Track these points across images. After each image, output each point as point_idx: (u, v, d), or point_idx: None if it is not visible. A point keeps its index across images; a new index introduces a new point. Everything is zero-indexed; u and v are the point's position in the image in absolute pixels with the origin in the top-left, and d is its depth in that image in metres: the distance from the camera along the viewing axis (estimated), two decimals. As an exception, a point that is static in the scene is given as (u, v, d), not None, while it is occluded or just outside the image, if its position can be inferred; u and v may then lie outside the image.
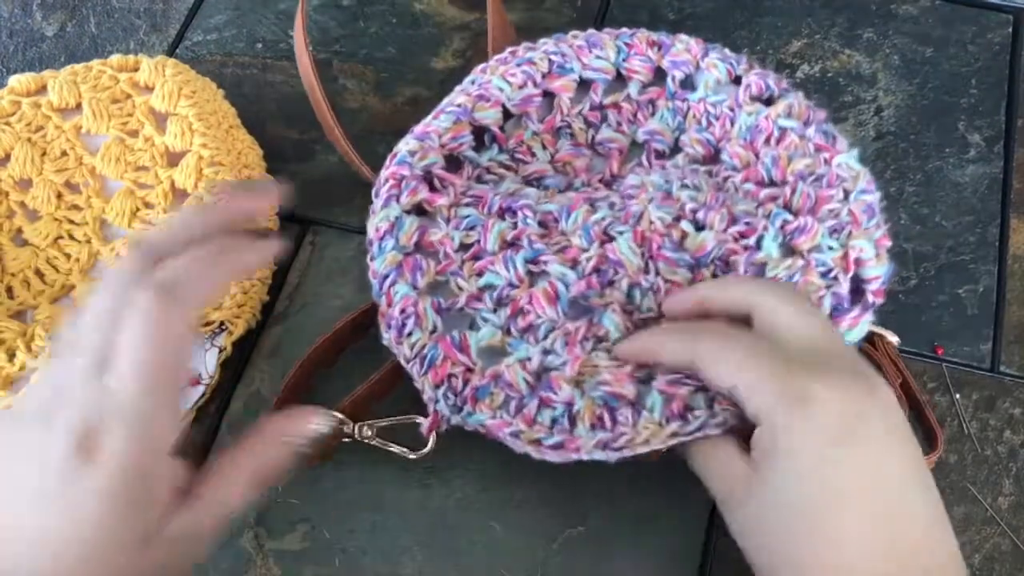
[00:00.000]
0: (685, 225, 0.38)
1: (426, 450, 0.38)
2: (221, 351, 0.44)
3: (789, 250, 0.38)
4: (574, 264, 0.38)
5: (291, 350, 0.45)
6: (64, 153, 0.47)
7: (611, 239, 0.39)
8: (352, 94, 0.53)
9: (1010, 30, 0.55)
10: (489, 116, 0.42)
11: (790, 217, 0.38)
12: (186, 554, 0.30)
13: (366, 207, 0.50)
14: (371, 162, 0.51)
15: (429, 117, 0.43)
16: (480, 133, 0.43)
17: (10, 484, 0.28)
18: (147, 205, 0.46)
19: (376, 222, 0.40)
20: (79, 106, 0.47)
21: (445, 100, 0.43)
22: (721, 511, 0.34)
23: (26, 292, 0.45)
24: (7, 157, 0.46)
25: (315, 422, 0.33)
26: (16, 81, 0.47)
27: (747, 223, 0.38)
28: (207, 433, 0.44)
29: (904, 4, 0.56)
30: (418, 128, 0.42)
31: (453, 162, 0.42)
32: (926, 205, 0.49)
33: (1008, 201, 0.50)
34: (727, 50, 0.43)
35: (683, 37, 0.44)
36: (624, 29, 0.45)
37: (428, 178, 0.41)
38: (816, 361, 0.31)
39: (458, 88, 0.44)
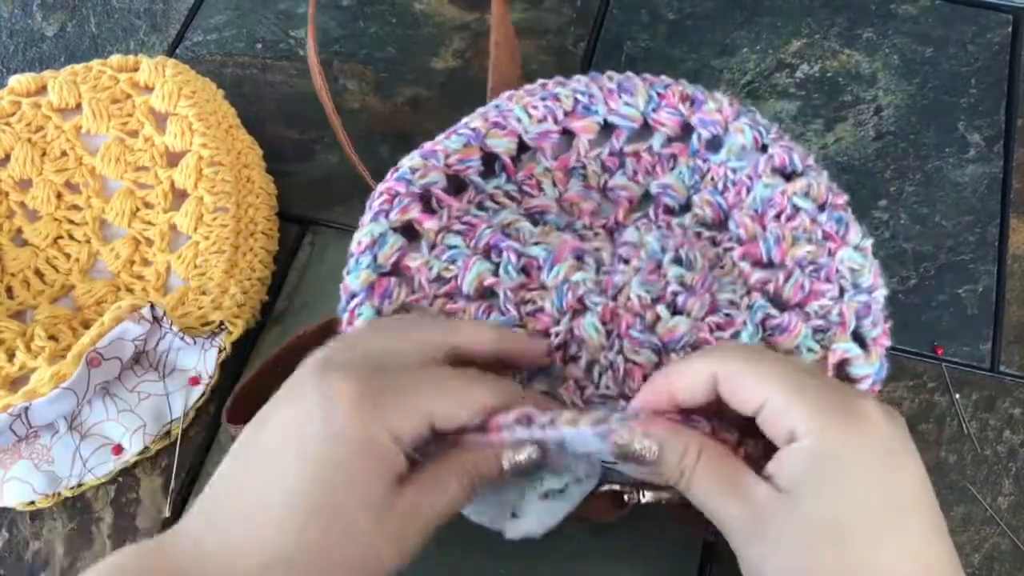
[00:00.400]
0: (661, 309, 0.38)
1: None
2: (221, 351, 0.44)
3: (767, 347, 0.36)
4: (544, 336, 0.38)
5: (291, 350, 0.45)
6: (64, 153, 0.47)
7: (583, 310, 0.38)
8: (352, 94, 0.54)
9: (1010, 30, 0.55)
10: (502, 144, 0.41)
11: (775, 312, 0.37)
12: (405, 540, 0.31)
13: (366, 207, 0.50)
14: (371, 163, 0.51)
15: (441, 136, 0.41)
16: (491, 160, 0.42)
17: (279, 441, 0.30)
18: (147, 205, 0.46)
19: (360, 236, 0.39)
20: (79, 106, 0.47)
21: (463, 120, 0.42)
22: (735, 545, 0.30)
23: (26, 292, 0.45)
24: (7, 157, 0.46)
25: (513, 453, 0.33)
26: (16, 81, 0.47)
27: (727, 314, 0.37)
28: (206, 433, 0.44)
29: (904, 4, 0.56)
30: (427, 145, 0.41)
31: (457, 184, 0.41)
32: (926, 205, 0.49)
33: (1008, 201, 0.50)
34: (759, 115, 0.42)
35: (717, 96, 0.42)
36: (663, 78, 0.43)
37: (426, 197, 0.40)
38: (837, 384, 0.30)
39: (479, 110, 0.43)
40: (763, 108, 0.52)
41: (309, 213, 0.50)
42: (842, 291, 0.38)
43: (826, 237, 0.39)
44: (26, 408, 0.39)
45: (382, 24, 0.56)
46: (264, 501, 0.29)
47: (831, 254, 0.38)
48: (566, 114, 0.42)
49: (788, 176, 0.40)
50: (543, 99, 0.42)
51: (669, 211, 0.42)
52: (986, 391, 0.45)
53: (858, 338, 0.37)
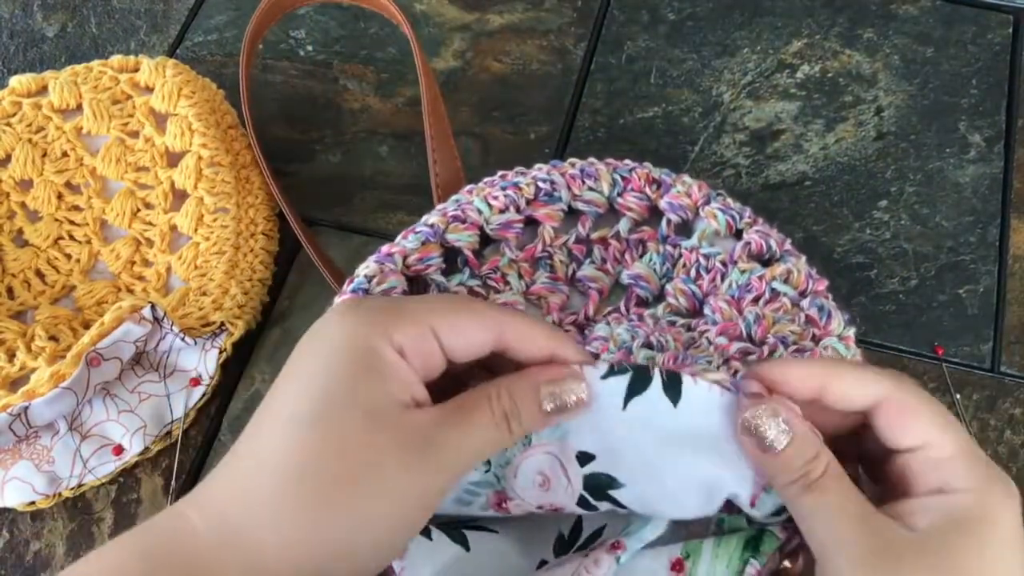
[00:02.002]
0: None
1: None
2: (221, 352, 0.44)
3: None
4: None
5: (291, 351, 0.45)
6: (65, 154, 0.47)
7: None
8: (353, 95, 0.54)
9: (1010, 30, 0.55)
10: (463, 238, 0.39)
11: None
12: (424, 469, 0.27)
13: (366, 207, 0.50)
14: (374, 163, 0.51)
15: (399, 236, 0.40)
16: (453, 256, 0.40)
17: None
18: (147, 206, 0.46)
19: None
20: (80, 107, 0.47)
21: (421, 219, 0.40)
22: (844, 572, 0.27)
23: (26, 292, 0.45)
24: (8, 158, 0.46)
25: (555, 389, 0.29)
26: (17, 82, 0.47)
27: None
28: (207, 433, 0.44)
29: (904, 4, 0.56)
30: (383, 248, 0.39)
31: (419, 285, 0.39)
32: (926, 205, 0.49)
33: (1008, 201, 0.50)
34: (730, 200, 0.41)
35: (686, 179, 0.41)
36: (626, 161, 0.42)
37: None
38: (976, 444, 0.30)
39: (437, 207, 0.41)
40: (764, 108, 0.52)
41: (309, 213, 0.50)
42: None
43: (809, 322, 0.37)
44: (25, 408, 0.39)
45: (382, 24, 0.56)
46: (263, 420, 0.28)
47: (815, 340, 0.37)
48: (528, 202, 0.40)
49: (765, 262, 0.39)
50: (503, 189, 0.40)
51: (642, 302, 0.40)
52: (987, 391, 0.45)
53: None
